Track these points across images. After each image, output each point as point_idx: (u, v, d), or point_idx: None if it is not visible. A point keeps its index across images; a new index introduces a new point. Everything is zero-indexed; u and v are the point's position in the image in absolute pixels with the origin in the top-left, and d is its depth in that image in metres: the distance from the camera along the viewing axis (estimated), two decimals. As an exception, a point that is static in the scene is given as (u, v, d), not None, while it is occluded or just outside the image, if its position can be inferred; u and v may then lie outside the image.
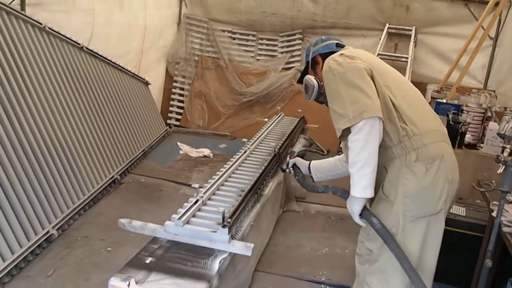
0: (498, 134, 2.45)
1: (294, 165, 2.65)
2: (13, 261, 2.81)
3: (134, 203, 3.91)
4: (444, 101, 4.14)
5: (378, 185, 1.99)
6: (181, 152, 5.29)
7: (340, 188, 2.11)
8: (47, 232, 3.15)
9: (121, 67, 5.01)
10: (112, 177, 4.17)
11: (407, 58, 5.60)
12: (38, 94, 3.50)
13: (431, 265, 2.02)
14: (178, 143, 5.47)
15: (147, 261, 2.27)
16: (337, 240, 3.55)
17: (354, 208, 1.90)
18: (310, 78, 2.25)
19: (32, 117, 3.36)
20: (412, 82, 5.55)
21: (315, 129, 5.15)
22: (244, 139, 3.99)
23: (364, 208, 1.91)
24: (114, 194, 4.05)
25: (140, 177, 4.49)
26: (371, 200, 2.04)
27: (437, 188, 1.92)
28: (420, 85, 5.33)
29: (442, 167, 1.91)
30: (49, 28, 3.83)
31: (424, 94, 5.09)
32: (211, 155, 5.24)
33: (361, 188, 1.85)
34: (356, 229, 3.69)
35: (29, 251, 2.95)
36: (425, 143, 1.92)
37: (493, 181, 2.59)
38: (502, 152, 2.35)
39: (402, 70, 5.52)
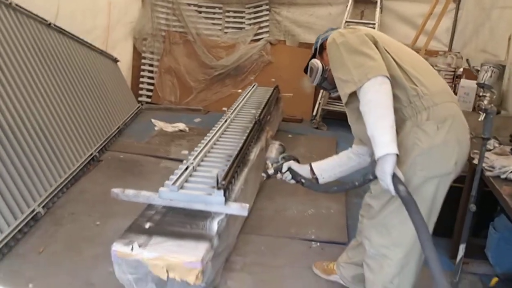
0: (478, 83, 2.56)
1: (290, 169, 2.31)
2: (3, 239, 2.77)
3: (116, 178, 3.88)
4: (415, 62, 4.25)
5: None
6: (156, 128, 5.24)
7: None
8: (33, 210, 3.11)
9: (89, 44, 4.90)
10: (91, 154, 4.11)
11: (374, 24, 5.69)
12: (11, 73, 3.41)
13: (433, 224, 2.07)
14: (152, 120, 5.42)
15: (147, 226, 2.31)
16: (321, 201, 3.64)
17: (386, 167, 1.73)
18: (315, 61, 2.21)
19: (8, 95, 3.27)
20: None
21: (289, 97, 5.21)
22: (224, 108, 3.98)
23: (394, 174, 1.75)
24: (94, 171, 4.00)
25: (119, 153, 4.44)
26: None
27: (448, 148, 1.90)
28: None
29: (453, 127, 1.90)
30: (16, 5, 3.70)
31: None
32: (187, 129, 5.22)
33: (384, 144, 1.73)
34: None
35: (17, 229, 2.91)
36: (436, 102, 1.90)
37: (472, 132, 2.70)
38: (482, 101, 2.45)
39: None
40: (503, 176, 2.33)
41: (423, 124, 1.89)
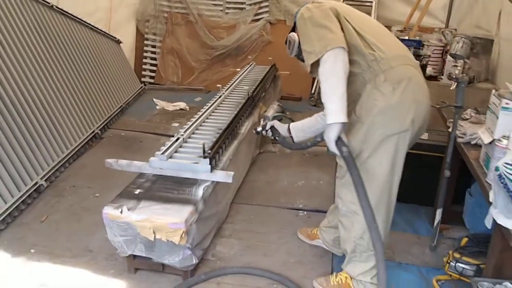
0: (450, 54, 2.65)
1: (272, 128, 2.61)
2: (6, 209, 2.96)
3: (116, 154, 3.97)
4: (406, 38, 4.34)
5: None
6: (157, 107, 5.40)
7: None
8: (36, 183, 3.30)
9: (92, 25, 5.04)
10: (93, 131, 4.29)
11: (371, 2, 5.76)
12: (14, 54, 3.58)
13: (397, 183, 2.25)
14: (154, 99, 5.57)
15: (136, 192, 2.47)
16: (312, 173, 3.78)
17: (330, 134, 1.96)
18: (293, 34, 2.32)
19: (11, 75, 3.45)
20: (378, 25, 5.70)
21: (287, 75, 5.31)
22: (219, 85, 4.10)
23: (339, 137, 1.97)
24: (96, 148, 4.19)
25: (120, 131, 4.62)
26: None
27: (404, 107, 2.08)
28: (388, 28, 5.50)
29: (409, 88, 2.07)
30: (18, -13, 3.86)
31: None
32: (188, 108, 5.37)
33: (333, 114, 1.94)
34: (329, 163, 3.96)
35: (21, 200, 3.11)
36: (392, 65, 2.07)
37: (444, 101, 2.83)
38: (454, 71, 2.56)
39: (368, 15, 5.68)
40: (473, 142, 2.44)
41: (381, 85, 2.07)
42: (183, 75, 6.39)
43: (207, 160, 2.55)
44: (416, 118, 2.10)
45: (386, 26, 5.72)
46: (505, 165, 1.76)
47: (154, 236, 2.25)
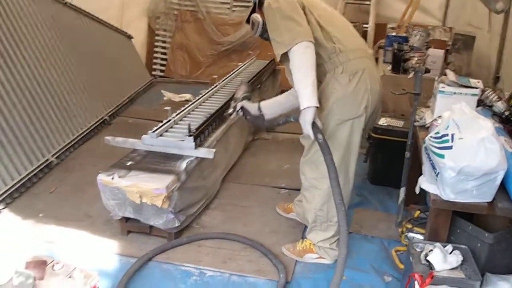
0: (409, 46, 2.95)
1: (243, 108, 2.69)
2: (20, 180, 3.37)
3: None
4: (393, 34, 4.62)
5: None
6: (164, 98, 5.75)
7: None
8: (47, 159, 3.70)
9: (104, 22, 5.43)
10: (102, 118, 4.68)
11: (370, 0, 6.03)
12: (32, 48, 4.00)
13: (354, 161, 2.55)
14: (162, 91, 5.93)
15: (128, 164, 2.83)
16: (298, 158, 4.03)
17: (306, 117, 2.14)
18: (256, 15, 2.45)
19: (29, 67, 3.88)
20: (376, 23, 5.94)
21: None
22: (215, 76, 4.44)
23: (314, 123, 2.17)
24: (104, 132, 4.57)
25: (128, 118, 5.01)
26: None
27: (358, 96, 2.36)
28: (385, 26, 5.75)
29: (363, 78, 2.35)
30: (33, -14, 4.27)
31: (385, 33, 5.55)
32: (192, 99, 5.71)
33: (307, 98, 2.13)
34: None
35: (33, 173, 3.51)
36: (350, 58, 2.35)
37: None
38: (411, 61, 2.85)
39: (367, 13, 5.97)
40: (426, 125, 2.72)
41: (339, 76, 2.35)
42: (191, 69, 6.75)
43: (192, 138, 2.90)
44: (369, 104, 2.40)
45: (383, 24, 5.98)
46: (429, 138, 2.07)
47: (141, 200, 2.60)
